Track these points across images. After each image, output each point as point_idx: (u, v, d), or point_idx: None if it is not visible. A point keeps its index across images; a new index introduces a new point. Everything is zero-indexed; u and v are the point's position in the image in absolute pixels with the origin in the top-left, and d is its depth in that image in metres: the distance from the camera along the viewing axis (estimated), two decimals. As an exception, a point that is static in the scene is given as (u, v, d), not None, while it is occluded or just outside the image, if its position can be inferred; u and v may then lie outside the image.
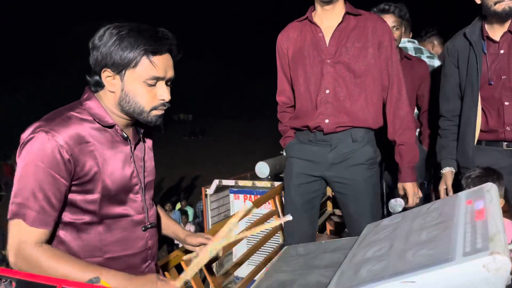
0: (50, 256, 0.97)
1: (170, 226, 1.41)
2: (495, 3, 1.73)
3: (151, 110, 1.09)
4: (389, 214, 1.87)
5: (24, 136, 1.00)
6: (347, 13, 1.76)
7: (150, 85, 1.06)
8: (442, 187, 2.02)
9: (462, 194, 1.15)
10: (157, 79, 1.06)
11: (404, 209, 1.77)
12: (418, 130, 2.51)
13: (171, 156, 16.88)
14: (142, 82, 1.05)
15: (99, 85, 1.09)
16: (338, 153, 1.79)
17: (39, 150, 0.98)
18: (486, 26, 1.85)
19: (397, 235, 1.08)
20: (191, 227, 7.98)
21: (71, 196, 1.03)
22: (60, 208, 1.01)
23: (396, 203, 1.78)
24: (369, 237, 1.19)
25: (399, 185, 1.83)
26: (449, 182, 2.00)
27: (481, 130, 1.89)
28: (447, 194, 2.00)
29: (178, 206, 9.38)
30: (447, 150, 2.03)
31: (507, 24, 1.80)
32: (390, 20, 2.28)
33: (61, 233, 1.05)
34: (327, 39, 1.77)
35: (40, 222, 0.97)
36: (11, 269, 0.76)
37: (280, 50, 1.91)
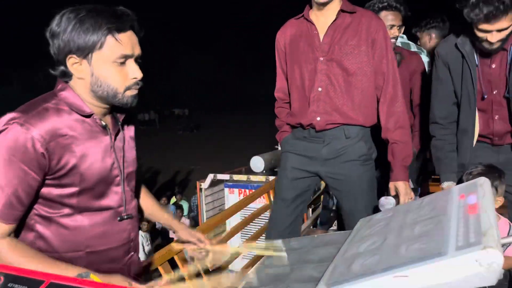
0: (14, 250, 0.95)
1: (164, 216, 1.39)
2: (482, 41, 1.69)
3: (125, 90, 1.04)
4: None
5: None
6: (341, 10, 1.75)
7: (120, 65, 1.02)
8: None
9: (455, 188, 1.15)
10: (126, 57, 1.02)
11: None
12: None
13: (166, 150, 16.83)
14: (111, 63, 1.01)
15: (66, 75, 1.04)
16: (332, 149, 1.80)
17: (11, 143, 0.94)
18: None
19: (390, 229, 1.08)
20: (185, 221, 7.97)
21: (48, 190, 1.00)
22: (29, 203, 0.98)
23: (387, 201, 1.70)
24: (362, 231, 1.19)
25: (391, 184, 1.77)
26: None
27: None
28: None
29: (173, 200, 9.35)
30: (446, 163, 1.97)
31: None
32: (397, 17, 2.25)
33: (40, 228, 1.02)
34: (321, 36, 1.77)
35: (6, 217, 0.95)
36: (-1, 264, 0.75)
37: (278, 47, 1.92)
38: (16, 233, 1.03)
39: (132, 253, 1.17)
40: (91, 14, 0.98)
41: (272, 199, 2.96)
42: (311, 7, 1.81)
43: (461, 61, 1.84)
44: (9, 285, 0.70)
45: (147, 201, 1.35)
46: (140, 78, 1.06)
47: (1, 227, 0.95)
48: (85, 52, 0.99)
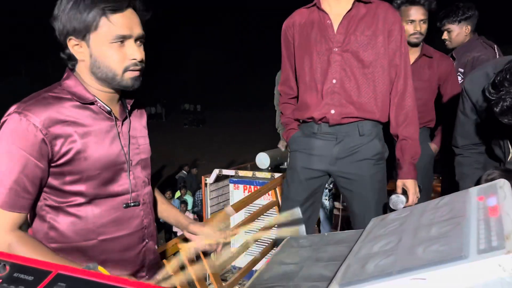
0: (24, 245, 0.94)
1: (172, 212, 1.38)
2: None
3: (124, 72, 1.02)
4: (390, 210, 1.81)
5: (2, 120, 0.97)
6: (356, 0, 1.70)
7: (120, 46, 1.00)
8: None
9: (472, 190, 1.11)
10: (123, 37, 1.00)
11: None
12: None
13: (172, 144, 16.86)
14: (108, 44, 0.99)
15: (72, 58, 1.04)
16: (344, 147, 1.73)
17: (11, 131, 0.94)
18: None
19: (405, 229, 1.05)
20: (190, 216, 7.98)
21: (54, 179, 1.00)
22: (35, 191, 0.97)
23: (398, 199, 1.69)
24: (375, 231, 1.16)
25: (399, 182, 1.73)
26: None
27: None
28: None
29: (178, 194, 9.38)
30: (471, 180, 1.84)
31: None
32: (419, 12, 2.21)
33: (51, 218, 1.02)
34: (335, 27, 1.70)
35: (12, 206, 0.94)
36: (5, 252, 0.73)
37: (285, 37, 1.84)
38: (31, 224, 1.03)
39: (147, 240, 1.15)
40: None
41: (279, 196, 2.93)
42: None
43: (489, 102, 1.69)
44: (15, 274, 0.68)
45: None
46: (139, 59, 1.03)
47: (10, 216, 0.94)
48: (82, 33, 0.98)
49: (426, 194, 2.38)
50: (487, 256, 0.74)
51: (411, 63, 2.22)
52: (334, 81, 1.71)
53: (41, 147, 0.95)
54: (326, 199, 3.26)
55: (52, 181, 1.00)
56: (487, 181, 1.68)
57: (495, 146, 1.78)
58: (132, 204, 1.11)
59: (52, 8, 1.02)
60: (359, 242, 1.13)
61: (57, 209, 1.02)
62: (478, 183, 1.77)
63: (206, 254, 1.84)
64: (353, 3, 1.69)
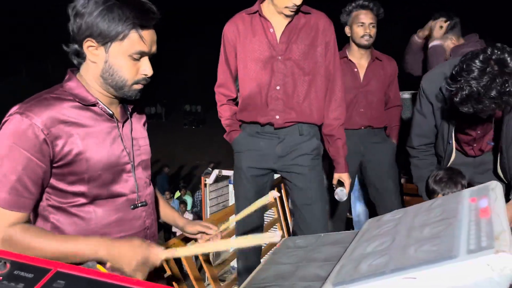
0: (27, 232, 0.95)
1: (169, 214, 1.40)
2: None
3: (133, 84, 1.06)
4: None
5: (3, 120, 0.98)
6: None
7: (135, 59, 1.04)
8: None
9: (465, 192, 1.13)
10: (143, 54, 1.04)
11: None
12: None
13: (171, 144, 16.87)
14: (127, 56, 1.02)
15: (79, 55, 1.05)
16: (286, 146, 1.84)
17: (13, 131, 0.95)
18: None
19: (399, 230, 1.07)
20: (189, 216, 8.00)
21: (56, 180, 1.01)
22: (37, 191, 0.99)
23: (343, 192, 1.95)
24: (369, 231, 1.18)
25: (336, 175, 1.96)
26: None
27: None
28: None
29: (177, 194, 9.39)
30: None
31: None
32: (368, 16, 2.33)
33: (54, 218, 1.03)
34: (278, 36, 1.78)
35: (13, 205, 0.95)
36: (5, 251, 0.75)
37: (227, 41, 1.89)
38: (36, 225, 1.04)
39: (149, 241, 1.17)
40: (119, 5, 0.99)
41: (277, 197, 2.95)
42: (261, 2, 1.81)
43: (445, 102, 1.82)
44: (15, 272, 0.70)
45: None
46: (149, 75, 1.07)
47: (11, 216, 0.95)
48: (105, 39, 1.00)
49: (395, 194, 2.47)
50: (476, 256, 0.75)
51: (365, 66, 2.44)
52: (277, 87, 1.80)
53: (43, 147, 0.96)
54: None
55: (54, 181, 1.01)
56: (435, 181, 1.80)
57: (439, 146, 1.92)
58: (139, 204, 1.13)
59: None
60: (353, 242, 1.14)
61: (60, 209, 1.03)
62: (427, 184, 1.91)
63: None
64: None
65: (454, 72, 1.56)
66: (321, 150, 1.94)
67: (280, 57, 1.78)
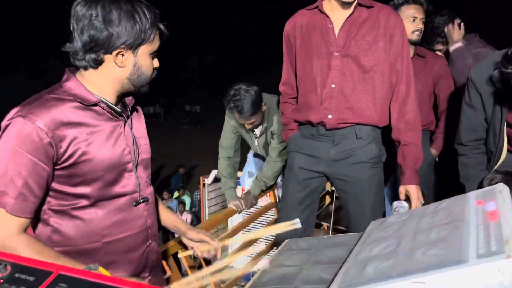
0: (30, 248, 0.94)
1: (170, 218, 1.38)
2: None
3: (151, 78, 1.12)
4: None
5: (3, 123, 0.96)
6: (358, 4, 1.69)
7: (154, 57, 1.10)
8: None
9: (471, 194, 1.12)
10: (158, 50, 1.09)
11: None
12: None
13: (170, 144, 16.82)
14: (149, 55, 1.08)
15: (95, 62, 1.03)
16: (341, 150, 1.74)
17: (17, 135, 0.93)
18: None
19: (404, 233, 1.05)
20: (187, 216, 7.97)
21: (58, 182, 0.99)
22: (42, 195, 0.97)
23: (400, 205, 1.66)
24: (374, 234, 1.16)
25: (401, 188, 1.73)
26: None
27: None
28: None
29: (176, 194, 9.37)
30: (478, 181, 1.84)
31: None
32: (420, 10, 2.22)
33: (55, 222, 1.01)
34: (337, 31, 1.70)
35: (21, 210, 0.94)
36: (6, 253, 0.73)
37: (287, 38, 1.84)
38: (33, 228, 1.03)
39: (150, 241, 1.16)
40: (137, 8, 1.01)
41: (277, 198, 2.94)
42: None
43: (495, 90, 1.71)
44: (16, 275, 0.68)
45: None
46: (157, 67, 1.13)
47: (17, 221, 0.94)
48: (136, 44, 1.02)
49: (428, 200, 2.38)
50: (487, 261, 0.74)
51: None
52: (333, 85, 1.70)
53: (47, 150, 0.95)
54: None
55: (56, 184, 1.00)
56: (490, 184, 1.69)
57: (490, 141, 1.78)
58: (141, 200, 1.12)
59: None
60: (358, 245, 1.13)
61: (61, 212, 1.01)
62: (480, 186, 1.78)
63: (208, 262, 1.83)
64: (355, 7, 1.69)
65: (510, 53, 1.48)
66: (382, 157, 1.80)
67: (337, 53, 1.68)
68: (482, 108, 1.78)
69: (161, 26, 1.07)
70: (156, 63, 1.11)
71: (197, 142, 17.97)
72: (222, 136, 2.69)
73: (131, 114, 1.16)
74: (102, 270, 0.74)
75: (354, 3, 1.68)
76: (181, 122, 24.30)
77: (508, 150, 1.79)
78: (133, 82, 1.08)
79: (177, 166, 12.01)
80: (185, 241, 1.42)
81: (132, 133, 1.13)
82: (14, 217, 0.93)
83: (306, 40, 1.76)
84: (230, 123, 2.61)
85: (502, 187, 1.05)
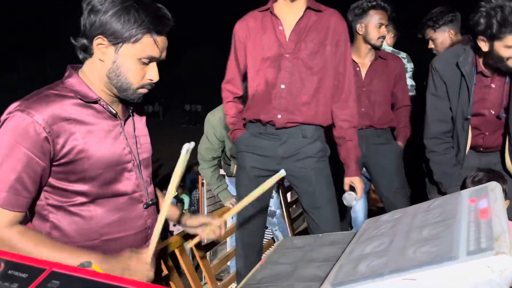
0: (24, 236, 0.94)
1: (171, 210, 1.38)
2: (508, 59, 1.66)
3: (138, 88, 1.04)
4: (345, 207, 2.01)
5: (2, 117, 0.96)
6: (308, 8, 1.74)
7: (143, 64, 1.02)
8: None
9: (464, 192, 1.13)
10: (152, 59, 1.03)
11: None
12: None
13: (169, 143, 16.82)
14: (136, 59, 1.01)
15: (87, 51, 1.03)
16: (288, 148, 1.80)
17: (14, 129, 0.93)
18: (481, 62, 1.80)
19: (397, 231, 1.06)
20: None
21: (57, 179, 0.99)
22: (35, 190, 0.97)
23: (351, 196, 1.83)
24: (368, 232, 1.17)
25: (347, 179, 1.85)
26: None
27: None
28: None
29: (175, 193, 9.37)
30: (454, 177, 1.94)
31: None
32: (386, 17, 2.29)
33: (54, 218, 1.01)
34: (287, 34, 1.75)
35: (12, 204, 0.93)
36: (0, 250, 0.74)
37: (237, 38, 1.87)
38: (33, 224, 1.02)
39: (150, 241, 1.16)
40: (136, 7, 0.98)
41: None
42: (275, 1, 1.78)
43: (460, 80, 1.83)
44: (9, 272, 0.68)
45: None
46: (155, 81, 1.06)
47: (9, 214, 0.94)
48: (117, 40, 0.99)
49: (404, 193, 2.44)
50: (476, 258, 0.75)
51: (368, 65, 2.38)
52: (282, 86, 1.76)
53: (44, 145, 0.94)
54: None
55: (54, 180, 0.99)
56: (473, 182, 1.74)
57: (458, 127, 1.88)
58: (150, 202, 1.12)
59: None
60: (352, 243, 1.14)
61: (59, 208, 1.01)
62: (464, 184, 1.85)
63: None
64: (305, 11, 1.73)
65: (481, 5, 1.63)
66: (327, 152, 1.88)
67: (288, 55, 1.74)
68: (447, 97, 1.89)
69: (154, 36, 1.00)
70: (151, 74, 1.04)
71: (196, 141, 17.97)
72: (205, 149, 2.62)
73: (133, 112, 1.16)
74: (95, 267, 0.75)
75: (298, 2, 1.73)
76: (180, 121, 24.31)
77: (472, 141, 1.88)
78: (112, 81, 1.03)
79: (191, 165, 11.91)
80: (188, 230, 1.41)
81: (133, 133, 1.13)
82: (7, 211, 0.93)
83: (258, 41, 1.80)
84: (217, 134, 2.54)
85: (494, 185, 1.06)
